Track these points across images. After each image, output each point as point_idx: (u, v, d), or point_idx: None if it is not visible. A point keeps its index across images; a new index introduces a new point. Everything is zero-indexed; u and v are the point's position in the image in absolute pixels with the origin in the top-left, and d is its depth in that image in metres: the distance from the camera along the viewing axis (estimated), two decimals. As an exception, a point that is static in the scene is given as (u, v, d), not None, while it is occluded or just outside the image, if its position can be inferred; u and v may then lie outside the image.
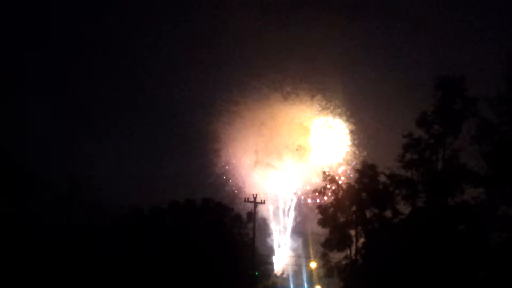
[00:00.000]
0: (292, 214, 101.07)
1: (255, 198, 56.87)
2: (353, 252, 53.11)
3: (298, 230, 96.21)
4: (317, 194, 57.70)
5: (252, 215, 56.92)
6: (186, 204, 57.18)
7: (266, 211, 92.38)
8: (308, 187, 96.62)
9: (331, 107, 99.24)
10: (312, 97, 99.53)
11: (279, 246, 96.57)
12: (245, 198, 58.68)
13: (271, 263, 78.20)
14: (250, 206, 59.54)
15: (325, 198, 56.61)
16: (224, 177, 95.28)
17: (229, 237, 56.81)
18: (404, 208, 48.78)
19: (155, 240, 48.36)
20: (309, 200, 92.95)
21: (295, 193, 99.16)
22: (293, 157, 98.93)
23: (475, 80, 44.90)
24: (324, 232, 55.65)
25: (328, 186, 55.96)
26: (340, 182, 57.20)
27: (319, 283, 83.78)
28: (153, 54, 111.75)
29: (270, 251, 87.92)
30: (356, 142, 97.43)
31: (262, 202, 59.45)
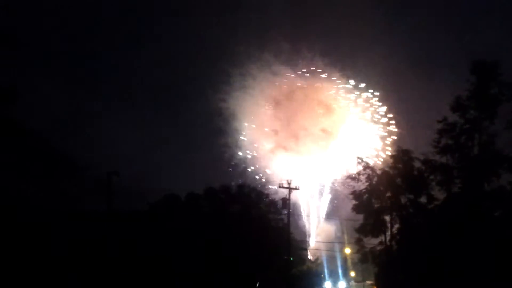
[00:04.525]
0: (325, 200, 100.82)
1: (289, 184, 56.72)
2: (388, 238, 53.19)
3: (332, 216, 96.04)
4: (351, 180, 57.40)
5: (287, 201, 56.96)
6: (222, 190, 57.65)
7: (299, 197, 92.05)
8: (339, 173, 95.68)
9: (356, 84, 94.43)
10: (333, 73, 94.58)
11: (312, 232, 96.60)
12: (279, 184, 58.58)
13: (306, 249, 78.46)
14: (281, 191, 59.77)
15: (359, 183, 56.61)
16: (247, 160, 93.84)
17: (264, 222, 57.09)
18: (439, 194, 48.57)
19: (191, 224, 49.14)
20: (342, 186, 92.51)
21: (327, 179, 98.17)
22: (316, 141, 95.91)
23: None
24: (358, 218, 55.82)
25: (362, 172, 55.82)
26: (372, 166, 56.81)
27: (353, 268, 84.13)
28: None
29: (304, 237, 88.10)
30: (386, 123, 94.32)
31: (297, 188, 59.41)
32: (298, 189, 60.75)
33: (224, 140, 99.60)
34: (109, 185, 42.89)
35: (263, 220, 57.47)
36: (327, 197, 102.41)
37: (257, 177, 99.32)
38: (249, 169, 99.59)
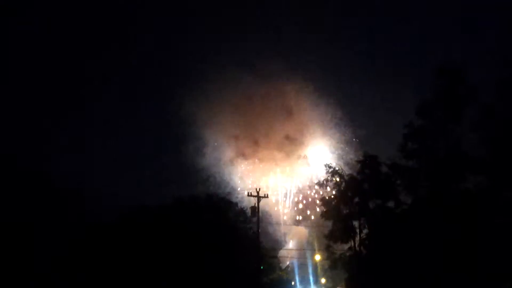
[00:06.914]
0: (294, 207, 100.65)
1: (258, 192, 56.58)
2: (357, 243, 53.28)
3: (301, 223, 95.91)
4: (319, 187, 57.55)
5: (256, 209, 56.70)
6: (191, 200, 57.21)
7: (268, 204, 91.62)
8: (307, 179, 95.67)
9: (313, 86, 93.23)
10: (294, 76, 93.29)
11: (282, 240, 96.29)
12: (248, 193, 58.25)
13: (276, 257, 78.26)
14: (249, 199, 59.35)
15: (328, 190, 56.84)
16: (210, 167, 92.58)
17: (233, 231, 56.82)
18: (407, 198, 48.97)
19: (162, 235, 48.82)
20: (311, 192, 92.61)
21: (294, 186, 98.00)
22: (279, 147, 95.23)
23: (476, 65, 44.78)
24: (327, 224, 55.87)
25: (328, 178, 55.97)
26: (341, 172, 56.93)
27: (323, 275, 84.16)
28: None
29: (275, 245, 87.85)
30: (349, 124, 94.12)
31: (266, 196, 59.19)
32: (267, 197, 60.67)
33: (185, 147, 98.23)
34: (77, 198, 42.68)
35: (232, 228, 57.18)
36: (296, 203, 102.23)
37: (222, 184, 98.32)
38: (213, 177, 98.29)
